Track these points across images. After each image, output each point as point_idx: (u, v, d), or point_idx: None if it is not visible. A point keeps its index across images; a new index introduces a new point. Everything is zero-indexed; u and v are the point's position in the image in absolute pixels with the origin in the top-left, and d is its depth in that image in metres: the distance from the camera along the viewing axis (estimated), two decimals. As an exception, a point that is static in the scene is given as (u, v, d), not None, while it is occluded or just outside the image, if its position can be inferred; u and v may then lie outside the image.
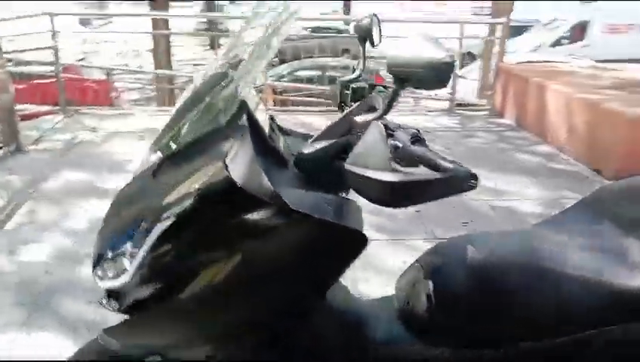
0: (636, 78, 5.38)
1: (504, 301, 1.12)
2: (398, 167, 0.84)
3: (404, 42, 0.86)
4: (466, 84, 7.29)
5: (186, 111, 1.14)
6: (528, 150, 4.59)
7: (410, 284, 1.24)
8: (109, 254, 1.06)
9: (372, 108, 1.25)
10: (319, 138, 1.20)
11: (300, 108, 6.10)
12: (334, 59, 10.51)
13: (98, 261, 1.08)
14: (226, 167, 0.94)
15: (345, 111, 1.26)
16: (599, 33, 13.41)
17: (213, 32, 14.74)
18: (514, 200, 3.53)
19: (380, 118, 0.96)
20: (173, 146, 1.09)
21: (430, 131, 4.88)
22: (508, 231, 1.26)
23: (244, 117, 1.02)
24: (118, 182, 3.64)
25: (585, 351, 1.08)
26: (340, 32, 16.21)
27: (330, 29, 17.27)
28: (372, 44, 1.35)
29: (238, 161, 0.95)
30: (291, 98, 7.11)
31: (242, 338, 1.09)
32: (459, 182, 0.80)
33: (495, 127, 5.27)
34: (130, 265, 1.01)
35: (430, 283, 1.18)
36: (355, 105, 1.27)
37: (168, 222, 0.96)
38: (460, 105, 6.09)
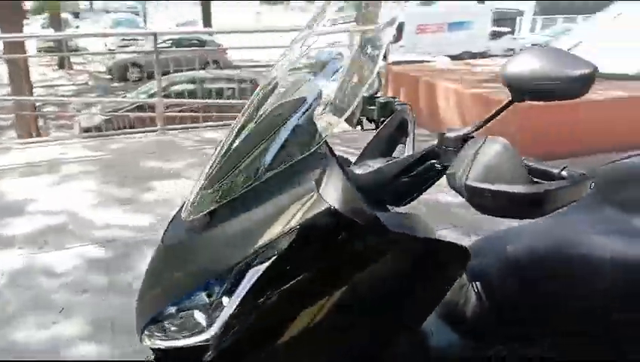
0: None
1: (553, 294, 1.15)
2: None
3: (521, 54, 0.85)
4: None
5: (244, 150, 1.04)
6: (427, 146, 4.83)
7: (454, 287, 1.26)
8: (171, 310, 0.95)
9: (404, 122, 1.26)
10: (364, 157, 1.18)
11: (191, 125, 5.84)
12: (208, 71, 10.30)
13: (151, 322, 0.97)
14: (321, 196, 0.89)
15: (379, 127, 1.26)
16: (412, 34, 14.73)
17: (63, 52, 13.67)
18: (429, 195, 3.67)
19: (476, 130, 0.96)
20: (237, 188, 0.98)
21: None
22: (523, 225, 1.31)
23: (324, 145, 0.97)
24: (20, 226, 3.29)
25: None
26: (202, 43, 15.89)
27: (191, 40, 16.90)
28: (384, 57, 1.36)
29: (332, 190, 0.91)
30: (179, 114, 6.76)
31: None
32: (581, 187, 0.83)
33: (391, 126, 5.47)
34: (204, 318, 0.92)
35: (479, 284, 1.20)
36: (387, 120, 1.26)
37: (266, 264, 0.88)
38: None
